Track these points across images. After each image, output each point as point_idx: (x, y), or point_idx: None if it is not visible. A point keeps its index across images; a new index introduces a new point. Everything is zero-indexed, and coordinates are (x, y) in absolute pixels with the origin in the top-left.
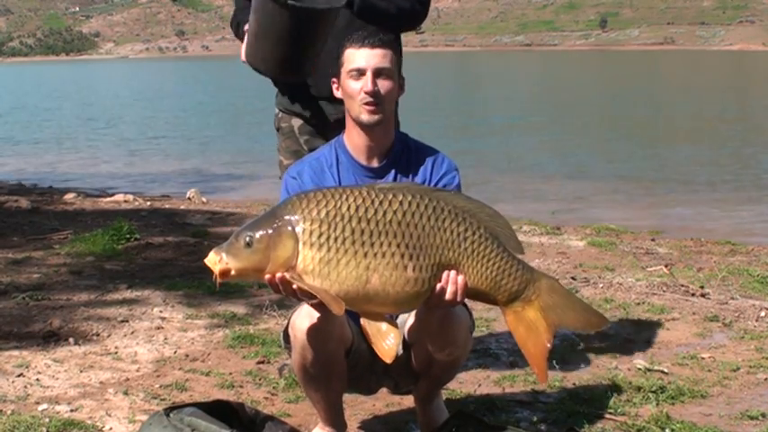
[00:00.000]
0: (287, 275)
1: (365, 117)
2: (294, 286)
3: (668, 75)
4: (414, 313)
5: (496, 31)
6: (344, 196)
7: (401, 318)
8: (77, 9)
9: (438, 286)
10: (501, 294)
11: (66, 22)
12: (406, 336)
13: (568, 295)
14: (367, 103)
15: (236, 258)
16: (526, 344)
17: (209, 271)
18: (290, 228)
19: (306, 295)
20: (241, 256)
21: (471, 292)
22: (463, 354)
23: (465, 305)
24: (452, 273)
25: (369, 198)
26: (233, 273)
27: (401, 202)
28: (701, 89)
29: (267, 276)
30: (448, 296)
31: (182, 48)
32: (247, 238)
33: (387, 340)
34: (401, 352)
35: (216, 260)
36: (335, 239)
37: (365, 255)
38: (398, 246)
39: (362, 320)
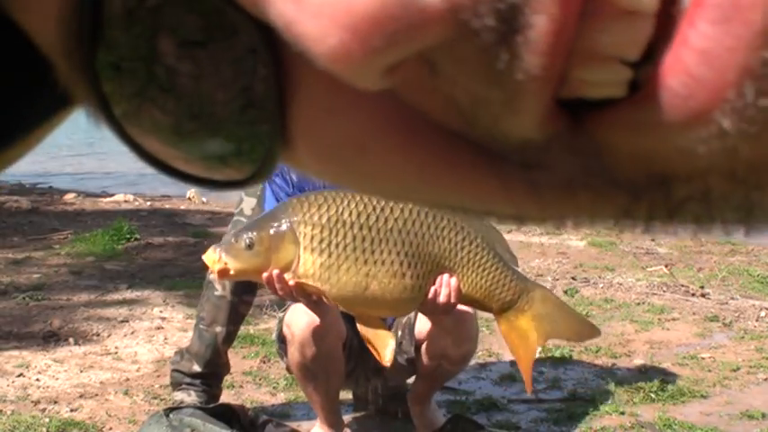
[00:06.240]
0: (285, 277)
1: None
2: (291, 283)
3: None
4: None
5: None
6: (346, 202)
7: (409, 318)
8: None
9: (432, 289)
10: (495, 303)
11: None
12: (417, 335)
13: (561, 306)
14: None
15: (236, 259)
16: (518, 351)
17: (205, 267)
18: (291, 231)
19: (302, 295)
20: (241, 258)
21: (465, 299)
22: (474, 348)
23: None
24: (446, 276)
25: (370, 204)
26: (231, 273)
27: (402, 210)
28: None
29: (265, 275)
30: (442, 299)
31: None
32: (248, 240)
33: (384, 344)
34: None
35: (215, 258)
36: (337, 245)
37: (365, 262)
38: (398, 254)
39: (359, 326)
